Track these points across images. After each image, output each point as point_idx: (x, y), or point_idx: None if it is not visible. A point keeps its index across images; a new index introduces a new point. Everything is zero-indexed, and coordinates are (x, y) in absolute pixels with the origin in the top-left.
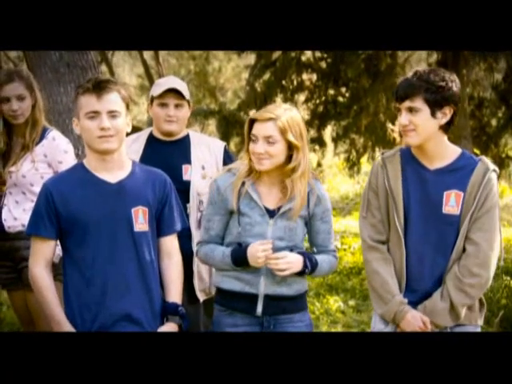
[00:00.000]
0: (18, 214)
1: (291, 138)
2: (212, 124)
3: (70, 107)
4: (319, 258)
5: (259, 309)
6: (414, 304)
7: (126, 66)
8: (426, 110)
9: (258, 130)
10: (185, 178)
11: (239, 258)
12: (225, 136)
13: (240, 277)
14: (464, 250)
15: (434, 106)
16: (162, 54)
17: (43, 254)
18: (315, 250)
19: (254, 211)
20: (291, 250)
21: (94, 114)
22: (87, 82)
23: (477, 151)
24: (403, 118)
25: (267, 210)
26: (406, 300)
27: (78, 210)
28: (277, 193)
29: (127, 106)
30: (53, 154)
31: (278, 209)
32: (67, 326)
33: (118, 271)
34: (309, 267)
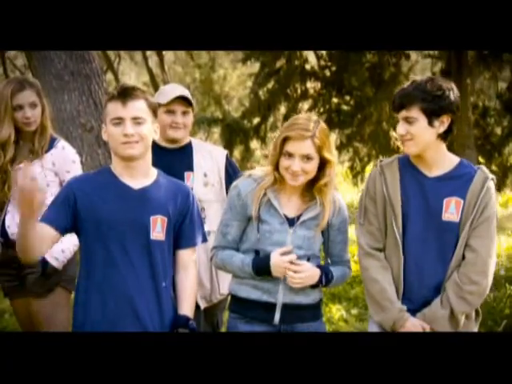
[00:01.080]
0: None
1: (326, 154)
2: (216, 132)
3: (74, 115)
4: (335, 271)
5: (277, 317)
6: (411, 312)
7: (131, 74)
8: (422, 120)
9: (296, 148)
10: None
11: (261, 269)
12: (229, 144)
13: (258, 285)
14: (463, 257)
15: (431, 115)
16: (168, 62)
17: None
18: (329, 260)
19: (274, 219)
20: (308, 258)
21: (119, 121)
22: (114, 89)
23: (482, 160)
24: (400, 128)
25: (286, 218)
26: (405, 307)
27: (97, 211)
28: (296, 201)
29: (154, 114)
30: (61, 164)
31: (298, 217)
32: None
33: (130, 276)
34: (323, 283)
